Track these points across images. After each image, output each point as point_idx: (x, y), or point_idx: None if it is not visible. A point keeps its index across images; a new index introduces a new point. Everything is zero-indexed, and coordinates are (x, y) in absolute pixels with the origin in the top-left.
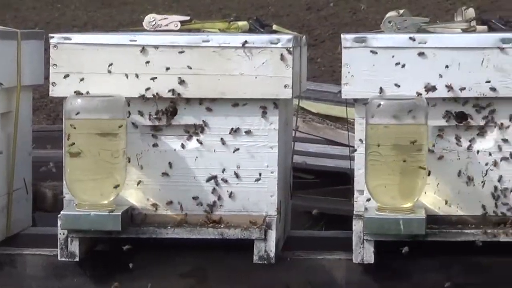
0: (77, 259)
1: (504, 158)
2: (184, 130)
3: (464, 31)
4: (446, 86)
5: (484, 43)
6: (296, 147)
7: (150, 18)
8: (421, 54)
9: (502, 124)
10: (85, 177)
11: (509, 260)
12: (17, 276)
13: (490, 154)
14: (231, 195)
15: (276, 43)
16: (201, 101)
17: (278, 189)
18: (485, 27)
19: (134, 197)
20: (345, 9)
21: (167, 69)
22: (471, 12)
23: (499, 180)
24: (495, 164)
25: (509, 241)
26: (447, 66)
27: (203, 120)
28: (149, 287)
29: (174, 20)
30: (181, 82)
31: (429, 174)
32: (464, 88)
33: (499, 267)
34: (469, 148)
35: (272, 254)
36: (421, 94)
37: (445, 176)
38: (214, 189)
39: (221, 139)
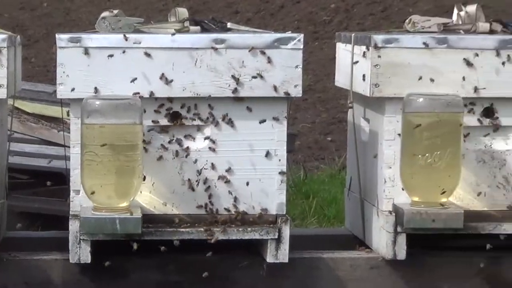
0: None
1: (215, 157)
2: None
3: (178, 31)
4: (163, 86)
5: (197, 44)
6: (12, 147)
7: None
8: (135, 53)
9: (218, 122)
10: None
11: (223, 257)
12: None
13: (203, 154)
14: None
15: None
16: None
17: None
18: (198, 27)
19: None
20: (59, 9)
21: None
22: (183, 12)
23: (211, 178)
24: (210, 163)
25: (228, 238)
26: (162, 66)
27: None
28: None
29: None
30: None
31: (144, 179)
32: (185, 88)
33: (209, 264)
34: (183, 147)
35: None
36: (137, 93)
37: (161, 175)
38: None
39: None
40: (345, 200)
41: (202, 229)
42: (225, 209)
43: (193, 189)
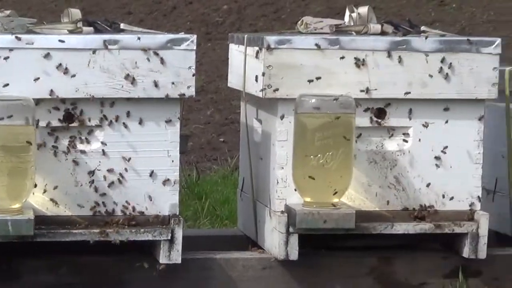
0: None
1: (108, 159)
2: None
3: (71, 32)
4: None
5: (90, 44)
6: None
7: None
8: (28, 54)
9: (111, 123)
10: None
11: (116, 258)
12: None
13: (96, 155)
14: None
15: None
16: None
17: None
18: (91, 28)
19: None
20: None
21: None
22: (76, 13)
23: (104, 179)
24: (103, 164)
25: (122, 239)
26: (55, 67)
27: None
28: None
29: None
30: None
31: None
32: (78, 89)
33: (102, 266)
34: (76, 149)
35: None
36: (31, 94)
37: (54, 176)
38: None
39: None
40: (237, 200)
41: (95, 231)
42: (118, 210)
43: (86, 191)
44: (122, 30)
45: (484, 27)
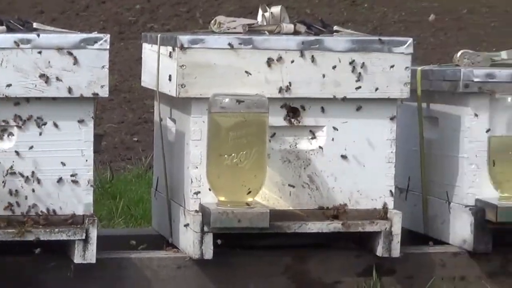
0: None
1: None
2: None
3: None
4: None
5: (3, 44)
6: None
7: None
8: None
9: (24, 123)
10: None
11: (30, 258)
12: None
13: (10, 155)
14: None
15: None
16: None
17: None
18: (4, 27)
19: None
20: None
21: None
22: None
23: (18, 179)
24: (17, 164)
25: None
26: None
27: None
28: None
29: None
30: None
31: None
32: None
33: (15, 266)
34: None
35: None
36: None
37: None
38: None
39: None
40: (152, 200)
41: (9, 230)
42: (32, 210)
43: None
44: (35, 29)
45: (395, 27)
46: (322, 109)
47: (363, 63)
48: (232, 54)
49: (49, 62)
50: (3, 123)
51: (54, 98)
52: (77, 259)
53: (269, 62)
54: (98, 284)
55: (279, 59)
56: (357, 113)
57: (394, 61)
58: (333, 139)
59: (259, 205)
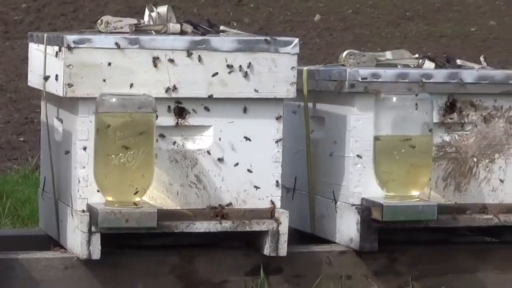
0: None
1: None
2: None
3: None
4: None
5: None
6: None
7: None
8: None
9: None
10: None
11: None
12: None
13: None
14: None
15: None
16: None
17: None
18: None
19: None
20: None
21: None
22: None
23: None
24: None
25: None
26: None
27: None
28: None
29: None
30: None
31: None
32: None
33: None
34: None
35: None
36: None
37: None
38: None
39: None
40: (39, 200)
41: None
42: None
43: None
44: None
45: (281, 27)
46: (209, 109)
47: (250, 63)
48: (119, 54)
49: None
50: None
51: None
52: None
53: (156, 62)
54: None
55: (166, 59)
56: (244, 113)
57: (280, 61)
58: (220, 139)
59: (147, 205)
